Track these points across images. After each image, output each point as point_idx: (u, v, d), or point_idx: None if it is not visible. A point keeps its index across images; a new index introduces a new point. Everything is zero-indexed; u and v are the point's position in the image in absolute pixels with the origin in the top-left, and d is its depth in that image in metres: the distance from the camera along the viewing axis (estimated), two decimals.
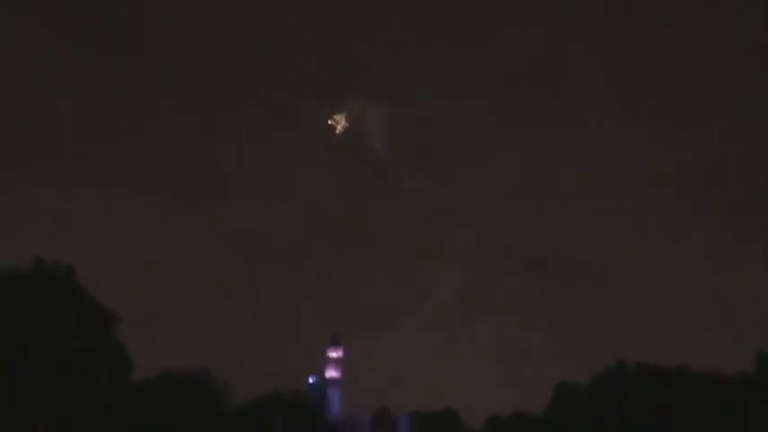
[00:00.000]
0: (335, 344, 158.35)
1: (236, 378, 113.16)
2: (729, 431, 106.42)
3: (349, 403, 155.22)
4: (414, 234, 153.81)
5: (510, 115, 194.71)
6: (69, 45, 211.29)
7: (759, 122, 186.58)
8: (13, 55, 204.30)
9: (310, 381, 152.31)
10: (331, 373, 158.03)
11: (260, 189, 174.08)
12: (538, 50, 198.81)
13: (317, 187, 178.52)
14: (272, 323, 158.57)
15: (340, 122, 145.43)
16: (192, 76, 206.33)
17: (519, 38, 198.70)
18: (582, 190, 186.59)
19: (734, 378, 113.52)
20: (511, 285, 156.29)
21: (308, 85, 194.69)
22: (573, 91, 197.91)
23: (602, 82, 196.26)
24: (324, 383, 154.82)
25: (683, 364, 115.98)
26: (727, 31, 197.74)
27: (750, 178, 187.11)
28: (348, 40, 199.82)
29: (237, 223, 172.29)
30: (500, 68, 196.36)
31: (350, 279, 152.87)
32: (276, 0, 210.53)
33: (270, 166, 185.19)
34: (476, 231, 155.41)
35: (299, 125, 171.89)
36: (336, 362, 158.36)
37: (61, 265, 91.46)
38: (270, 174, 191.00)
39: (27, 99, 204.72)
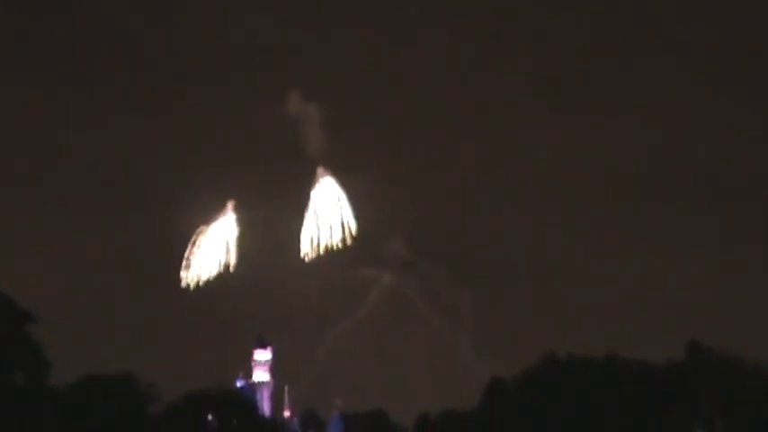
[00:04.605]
0: (262, 345, 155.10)
1: (160, 381, 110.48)
2: (662, 417, 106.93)
3: (277, 406, 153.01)
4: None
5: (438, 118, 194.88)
6: None
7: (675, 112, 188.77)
8: None
9: (238, 384, 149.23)
10: (260, 375, 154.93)
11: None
12: (466, 51, 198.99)
13: None
14: (196, 326, 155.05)
15: None
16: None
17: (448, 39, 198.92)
18: (504, 186, 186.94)
19: (664, 366, 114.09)
20: (438, 284, 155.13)
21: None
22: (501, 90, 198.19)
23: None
24: (252, 387, 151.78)
25: (613, 352, 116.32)
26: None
27: (680, 165, 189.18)
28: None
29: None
30: (428, 71, 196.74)
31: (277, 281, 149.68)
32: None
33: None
34: (405, 233, 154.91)
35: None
36: (264, 364, 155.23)
37: None
38: None
39: None
